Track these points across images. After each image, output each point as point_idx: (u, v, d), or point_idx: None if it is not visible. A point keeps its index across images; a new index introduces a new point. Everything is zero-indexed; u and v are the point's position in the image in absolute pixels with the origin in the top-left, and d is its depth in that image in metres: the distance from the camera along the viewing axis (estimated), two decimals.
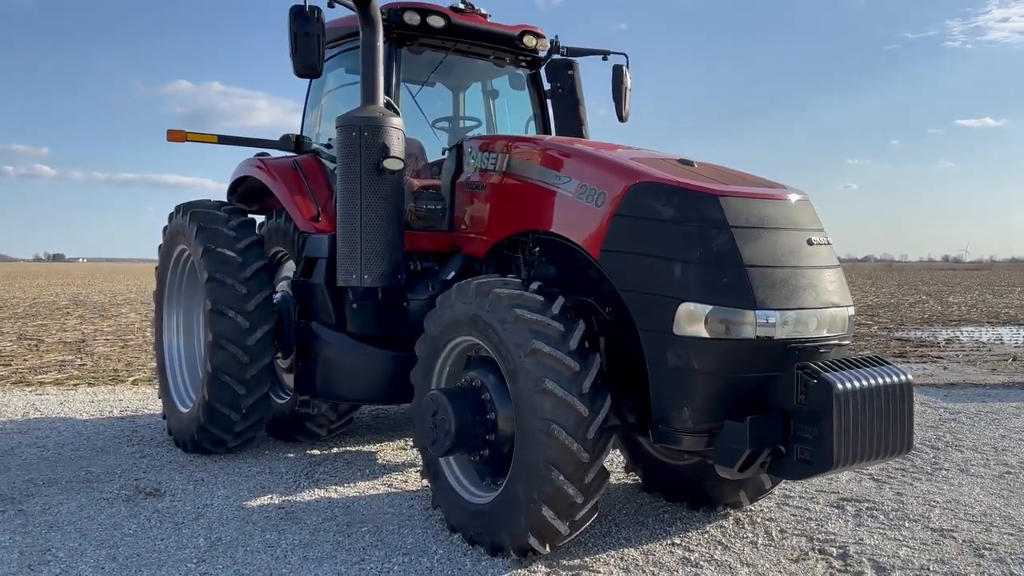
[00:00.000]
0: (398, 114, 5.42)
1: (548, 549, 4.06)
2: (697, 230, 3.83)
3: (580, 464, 3.86)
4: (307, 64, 5.12)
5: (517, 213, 4.90)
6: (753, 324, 3.67)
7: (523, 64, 6.48)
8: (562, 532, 3.98)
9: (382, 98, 5.26)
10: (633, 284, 3.99)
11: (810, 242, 3.96)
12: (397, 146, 5.13)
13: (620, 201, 4.09)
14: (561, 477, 3.84)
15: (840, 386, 3.50)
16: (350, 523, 4.70)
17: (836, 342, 3.91)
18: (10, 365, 11.56)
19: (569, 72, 6.42)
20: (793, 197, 4.13)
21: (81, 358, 12.33)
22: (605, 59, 6.56)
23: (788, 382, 3.67)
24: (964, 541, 4.53)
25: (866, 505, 5.17)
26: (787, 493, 5.43)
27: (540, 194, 4.69)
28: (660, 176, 4.03)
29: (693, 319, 3.73)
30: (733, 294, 3.70)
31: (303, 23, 5.07)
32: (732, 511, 5.01)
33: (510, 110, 6.78)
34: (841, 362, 3.74)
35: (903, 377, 3.77)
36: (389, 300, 5.34)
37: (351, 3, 5.16)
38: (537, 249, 4.91)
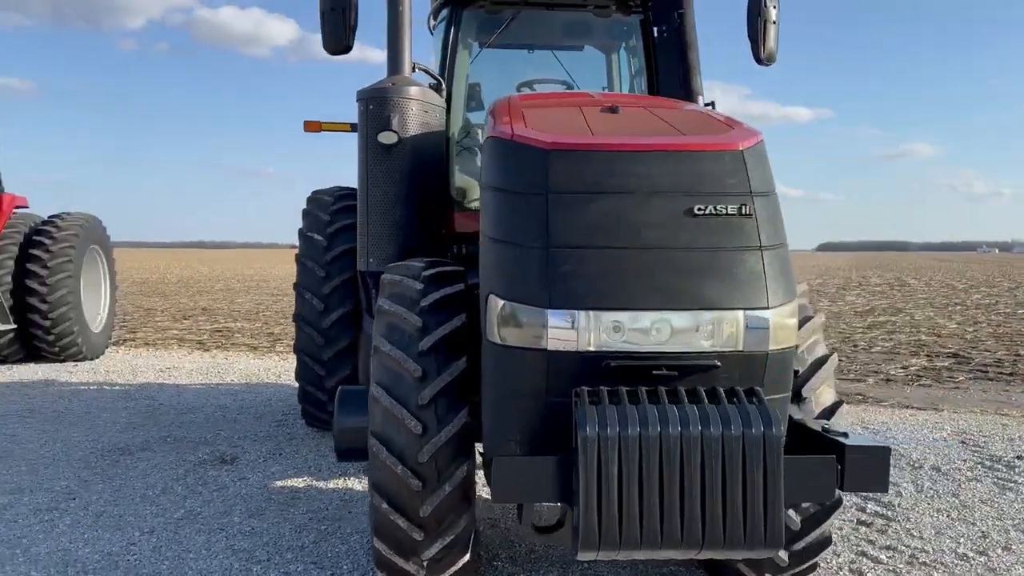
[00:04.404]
0: (440, 86, 4.95)
1: None
2: (514, 197, 2.81)
3: (411, 493, 3.09)
4: (334, 41, 4.95)
5: None
6: (544, 328, 2.57)
7: (634, 9, 5.44)
8: (411, 572, 3.24)
9: (408, 67, 4.84)
10: (480, 273, 3.09)
11: (693, 212, 2.63)
12: (410, 119, 4.67)
13: (484, 164, 3.20)
14: (385, 506, 3.13)
15: (591, 429, 2.26)
16: (301, 527, 4.38)
17: (711, 362, 2.54)
18: (231, 338, 13.39)
19: (679, 10, 5.21)
20: (698, 145, 2.78)
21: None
22: None
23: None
24: None
25: None
26: None
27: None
28: (502, 129, 3.03)
29: (492, 317, 2.75)
30: (524, 286, 2.63)
31: None
32: None
33: (624, 66, 5.75)
34: (680, 393, 2.43)
35: (760, 430, 2.29)
36: None
37: None
38: None
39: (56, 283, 9.46)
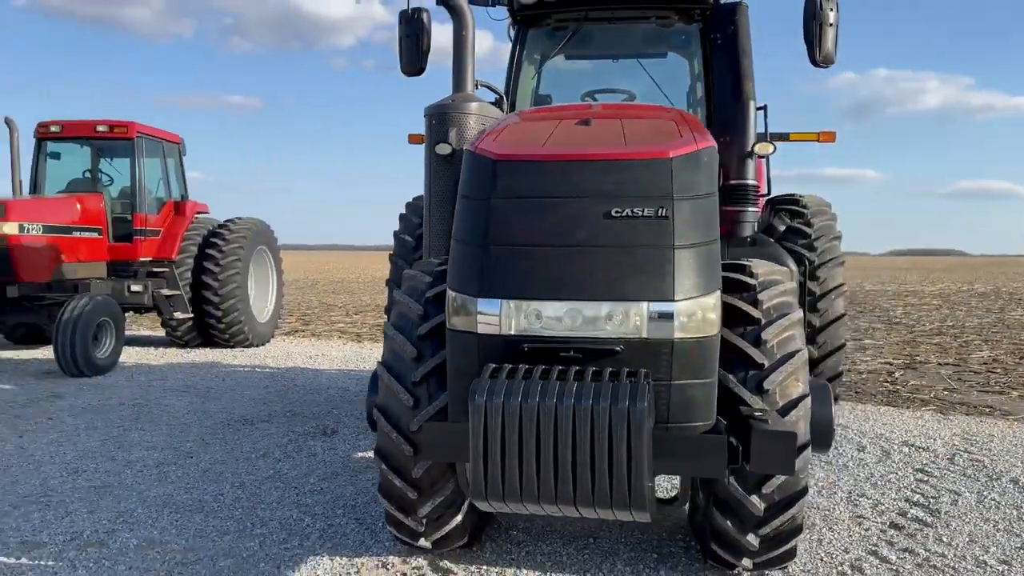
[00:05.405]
0: (501, 102, 5.43)
1: (427, 544, 3.86)
2: (470, 202, 3.25)
3: (404, 457, 3.61)
4: (409, 64, 5.56)
5: None
6: (474, 315, 2.98)
7: (696, 17, 5.63)
8: (412, 528, 3.75)
9: (470, 85, 5.35)
10: None
11: (611, 215, 2.93)
12: (467, 132, 5.17)
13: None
14: (384, 466, 3.66)
15: (479, 398, 2.63)
16: (361, 490, 5.02)
17: (614, 347, 2.83)
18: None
19: (734, 17, 5.35)
20: (626, 155, 3.07)
21: None
22: None
23: None
24: None
25: None
26: None
27: None
28: (475, 143, 3.46)
29: (448, 306, 3.22)
30: (466, 279, 3.07)
31: (405, 25, 5.51)
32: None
33: (694, 71, 5.93)
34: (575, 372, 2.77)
35: (626, 404, 2.56)
36: None
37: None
38: None
39: (227, 279, 10.90)
